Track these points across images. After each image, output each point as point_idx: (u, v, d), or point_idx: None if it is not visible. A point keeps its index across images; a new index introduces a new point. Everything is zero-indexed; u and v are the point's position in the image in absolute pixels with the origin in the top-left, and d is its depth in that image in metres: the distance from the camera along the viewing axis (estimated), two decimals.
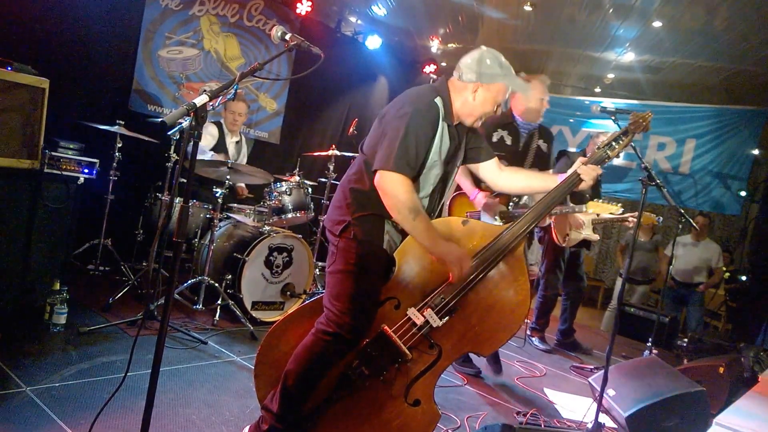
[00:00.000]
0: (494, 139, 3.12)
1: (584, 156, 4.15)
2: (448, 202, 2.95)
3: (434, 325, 1.76)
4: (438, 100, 1.88)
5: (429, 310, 1.76)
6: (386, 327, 1.79)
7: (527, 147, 3.27)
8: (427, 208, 1.94)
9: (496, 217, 2.87)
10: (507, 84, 1.91)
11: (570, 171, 2.00)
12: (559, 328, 4.53)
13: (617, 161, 4.66)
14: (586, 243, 4.07)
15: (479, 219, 2.84)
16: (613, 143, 2.06)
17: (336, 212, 1.93)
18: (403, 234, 1.89)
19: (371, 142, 1.91)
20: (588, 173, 1.96)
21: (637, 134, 2.08)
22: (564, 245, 3.99)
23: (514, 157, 3.11)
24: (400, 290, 1.82)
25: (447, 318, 1.77)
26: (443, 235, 1.80)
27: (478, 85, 1.89)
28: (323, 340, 1.83)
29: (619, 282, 6.20)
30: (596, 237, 4.07)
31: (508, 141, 3.15)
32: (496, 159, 2.13)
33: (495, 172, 2.12)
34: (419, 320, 1.76)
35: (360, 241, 1.85)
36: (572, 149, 6.24)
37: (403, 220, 1.77)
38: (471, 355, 3.09)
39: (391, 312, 1.81)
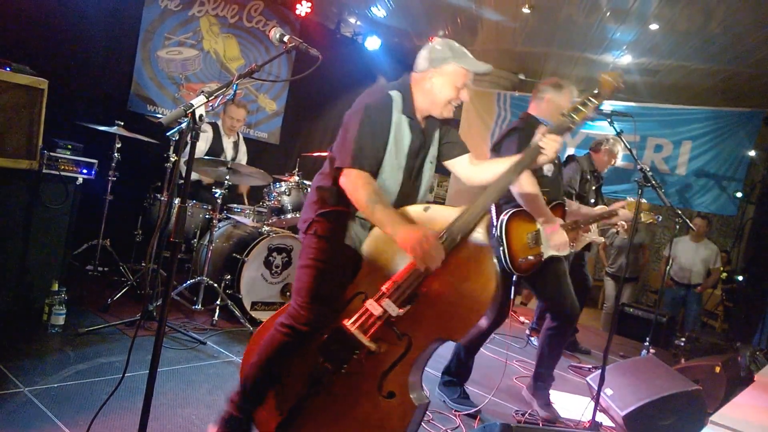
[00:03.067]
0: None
1: (590, 162, 4.22)
2: (506, 219, 2.75)
3: (393, 314, 1.72)
4: (393, 93, 1.89)
5: (386, 299, 1.73)
6: (345, 321, 1.77)
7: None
8: (397, 202, 1.91)
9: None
10: (461, 65, 1.89)
11: (532, 142, 1.88)
12: None
13: (618, 163, 4.66)
14: (587, 245, 4.10)
15: (540, 237, 2.74)
16: (580, 107, 1.87)
17: (304, 211, 1.99)
18: (371, 230, 1.90)
19: (336, 142, 1.94)
20: (549, 145, 1.83)
21: (606, 97, 1.89)
22: (572, 250, 4.00)
23: (556, 162, 2.95)
24: (368, 284, 1.81)
25: (408, 306, 1.73)
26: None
27: (431, 70, 1.90)
28: (280, 332, 1.88)
29: (607, 281, 6.23)
30: (601, 239, 4.08)
31: None
32: (470, 155, 2.07)
33: (468, 168, 2.06)
34: (377, 311, 1.73)
35: (320, 237, 1.89)
36: (571, 150, 6.26)
37: (366, 212, 1.78)
38: (469, 391, 2.99)
39: (359, 306, 1.80)
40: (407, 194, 1.95)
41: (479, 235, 1.75)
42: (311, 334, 1.86)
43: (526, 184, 2.68)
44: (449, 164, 2.09)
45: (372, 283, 1.79)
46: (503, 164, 1.92)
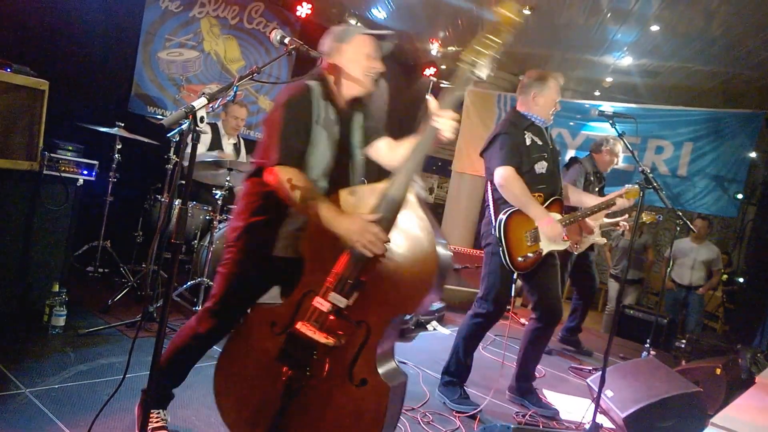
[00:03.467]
0: (528, 142, 2.82)
1: (593, 163, 4.22)
2: (503, 220, 2.76)
3: (342, 306, 1.70)
4: (312, 83, 1.89)
5: (332, 293, 1.71)
6: (297, 324, 1.74)
7: (552, 143, 2.96)
8: (331, 190, 1.88)
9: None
10: (362, 33, 1.92)
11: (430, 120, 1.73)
12: (567, 324, 4.53)
13: (619, 164, 4.66)
14: (590, 246, 4.10)
15: (538, 235, 2.75)
16: (480, 49, 1.63)
17: (233, 220, 1.98)
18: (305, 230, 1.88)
19: (259, 145, 1.93)
20: (444, 124, 1.68)
21: (507, 33, 1.63)
22: (576, 251, 4.01)
23: (550, 156, 2.88)
24: (315, 282, 1.77)
25: (355, 294, 1.71)
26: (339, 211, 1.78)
27: (338, 46, 1.92)
28: (187, 330, 1.94)
29: (611, 283, 6.23)
30: (604, 240, 4.09)
31: (539, 141, 2.86)
32: (388, 139, 2.06)
33: (386, 153, 2.03)
34: (325, 306, 1.71)
35: (242, 248, 1.89)
36: (572, 151, 6.26)
37: (300, 209, 1.78)
38: (469, 392, 2.99)
39: (310, 306, 1.78)
40: (341, 181, 1.94)
41: (411, 207, 1.73)
42: (212, 340, 1.95)
43: (511, 185, 2.71)
44: (370, 150, 2.07)
45: (319, 280, 1.76)
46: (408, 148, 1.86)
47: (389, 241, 1.69)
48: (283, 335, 1.76)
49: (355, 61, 1.90)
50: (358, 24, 1.92)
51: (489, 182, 2.90)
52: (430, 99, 1.73)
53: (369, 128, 2.06)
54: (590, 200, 3.27)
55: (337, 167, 1.92)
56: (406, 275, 1.69)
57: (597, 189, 4.18)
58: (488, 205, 2.93)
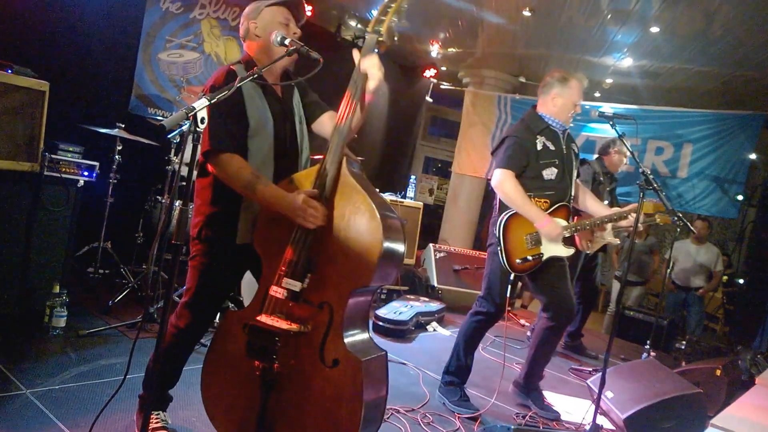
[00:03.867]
0: (539, 147, 2.79)
1: (602, 164, 4.22)
2: (503, 221, 2.75)
3: (297, 290, 1.72)
4: (235, 67, 1.90)
5: (285, 279, 1.73)
6: (257, 317, 1.75)
7: (568, 149, 2.91)
8: (278, 171, 1.90)
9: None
10: (268, 5, 1.94)
11: (353, 76, 1.84)
12: (568, 330, 4.53)
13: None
14: (603, 247, 4.07)
15: (539, 239, 2.75)
16: (382, 18, 1.84)
17: (193, 216, 1.99)
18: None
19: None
20: (371, 72, 1.80)
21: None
22: (588, 251, 3.99)
23: (561, 162, 2.84)
24: (271, 275, 1.79)
25: (309, 275, 1.74)
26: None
27: (251, 23, 1.95)
28: (169, 329, 1.97)
29: (615, 284, 6.23)
30: (617, 241, 4.03)
31: (552, 146, 2.82)
32: (331, 112, 2.08)
33: (329, 126, 2.02)
34: (281, 293, 1.73)
35: (204, 240, 1.92)
36: None
37: (246, 193, 1.81)
38: (469, 394, 2.98)
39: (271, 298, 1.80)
40: (287, 161, 1.95)
41: (346, 181, 1.78)
42: (191, 333, 1.98)
43: (504, 187, 2.72)
44: (315, 125, 2.09)
45: (275, 272, 1.78)
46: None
47: (327, 213, 1.73)
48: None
49: (267, 30, 1.91)
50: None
51: None
52: (354, 53, 1.85)
53: (310, 103, 2.08)
54: (594, 204, 3.22)
55: (281, 145, 1.93)
56: (353, 246, 1.72)
57: (608, 189, 4.20)
58: (495, 207, 2.95)
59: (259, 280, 1.88)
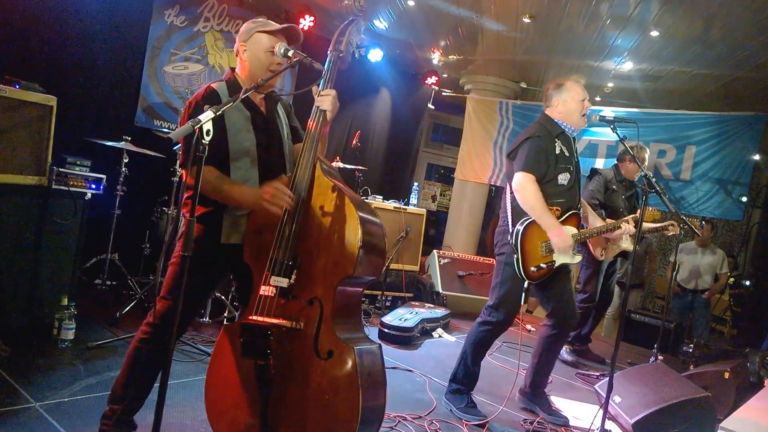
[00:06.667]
0: (557, 151, 2.79)
1: (618, 172, 4.21)
2: (521, 229, 2.74)
3: (285, 286, 1.78)
4: (216, 85, 1.96)
5: (273, 277, 1.78)
6: (250, 316, 1.79)
7: (576, 155, 2.92)
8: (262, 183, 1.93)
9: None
10: (262, 32, 1.99)
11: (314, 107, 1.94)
12: (581, 332, 4.50)
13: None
14: (624, 253, 4.02)
15: (552, 246, 2.74)
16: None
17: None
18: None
19: None
20: (325, 101, 1.91)
21: None
22: (601, 259, 3.98)
23: (573, 168, 2.84)
24: (262, 277, 1.84)
25: (295, 271, 1.79)
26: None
27: (241, 45, 2.02)
28: (141, 331, 1.99)
29: (615, 289, 6.19)
30: (631, 248, 4.00)
31: (566, 152, 2.81)
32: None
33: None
34: (270, 291, 1.78)
35: (185, 237, 1.92)
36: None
37: (219, 197, 1.86)
38: (476, 400, 2.98)
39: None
40: (274, 174, 1.99)
41: (320, 180, 1.87)
42: (159, 331, 1.96)
43: (527, 192, 2.70)
44: (297, 149, 2.15)
45: (264, 273, 1.84)
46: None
47: (291, 195, 1.80)
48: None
49: (255, 57, 2.00)
50: (266, 19, 2.06)
51: (509, 187, 2.85)
52: (313, 88, 1.96)
53: (294, 128, 2.18)
54: (589, 216, 3.26)
55: (267, 160, 1.99)
56: (333, 239, 1.80)
57: (624, 197, 4.17)
58: (505, 213, 2.87)
59: (249, 287, 1.92)
